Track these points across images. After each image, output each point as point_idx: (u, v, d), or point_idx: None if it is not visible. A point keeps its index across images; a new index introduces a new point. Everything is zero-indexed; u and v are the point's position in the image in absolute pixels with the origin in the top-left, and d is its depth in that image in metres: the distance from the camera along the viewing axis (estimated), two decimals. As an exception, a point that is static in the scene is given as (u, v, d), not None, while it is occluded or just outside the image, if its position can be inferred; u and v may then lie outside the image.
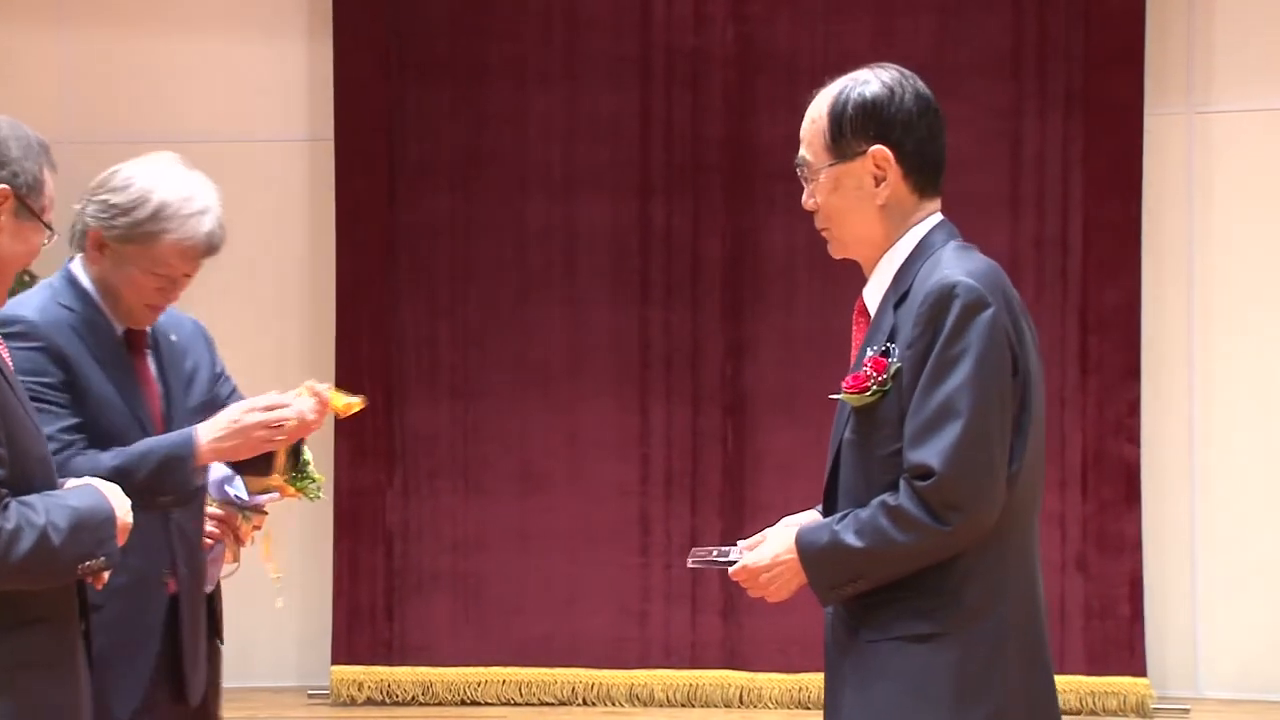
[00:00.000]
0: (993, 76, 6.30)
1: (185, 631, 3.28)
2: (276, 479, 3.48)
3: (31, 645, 2.61)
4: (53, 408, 3.08)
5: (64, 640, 2.68)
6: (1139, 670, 6.21)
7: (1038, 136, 6.30)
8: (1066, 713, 6.07)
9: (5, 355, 2.70)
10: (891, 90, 2.84)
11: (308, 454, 3.50)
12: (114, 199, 3.16)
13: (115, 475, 2.89)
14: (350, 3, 6.54)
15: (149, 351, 3.28)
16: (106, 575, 2.69)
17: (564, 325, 6.50)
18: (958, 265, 2.76)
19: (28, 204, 2.67)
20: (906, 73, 2.88)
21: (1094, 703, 6.22)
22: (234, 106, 6.62)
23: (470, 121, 6.54)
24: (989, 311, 2.71)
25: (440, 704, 6.43)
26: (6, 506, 2.53)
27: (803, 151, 2.90)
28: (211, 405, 3.30)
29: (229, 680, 3.56)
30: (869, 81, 2.85)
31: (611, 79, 6.50)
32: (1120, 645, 6.23)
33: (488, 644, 6.44)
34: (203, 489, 3.34)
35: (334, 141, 6.50)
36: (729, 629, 6.41)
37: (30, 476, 2.61)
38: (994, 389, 2.71)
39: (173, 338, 3.34)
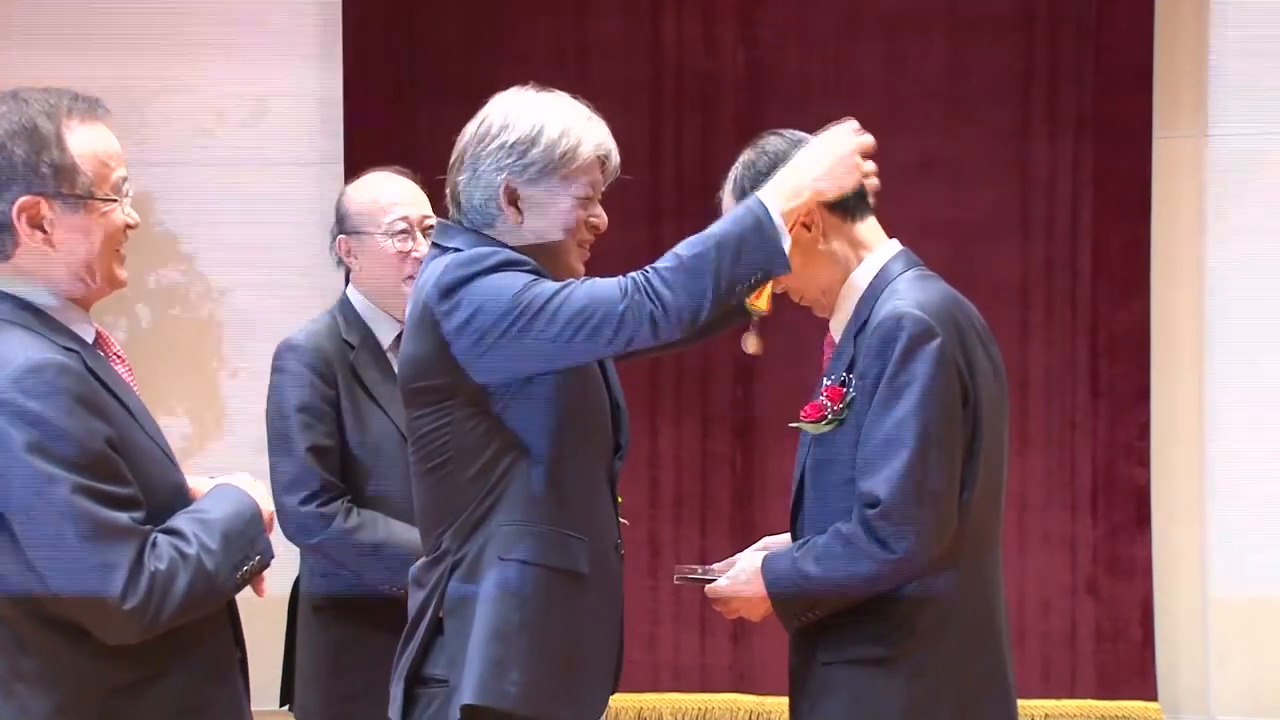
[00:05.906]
0: (1002, 100, 6.30)
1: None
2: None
3: (186, 689, 2.45)
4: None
5: (216, 677, 2.51)
6: (1150, 694, 6.19)
7: (1048, 160, 6.29)
8: (1077, 737, 6.06)
9: (133, 384, 2.51)
10: (761, 146, 2.98)
11: None
12: (510, 138, 2.86)
13: (690, 278, 2.76)
14: (361, 25, 6.56)
15: None
16: (264, 576, 2.54)
17: (574, 347, 6.49)
18: (909, 295, 2.85)
19: (65, 194, 2.39)
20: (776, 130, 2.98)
21: (1105, 727, 6.21)
22: (243, 129, 6.64)
23: (481, 144, 6.53)
24: (935, 342, 2.78)
25: (449, 727, 6.42)
26: (155, 544, 2.36)
27: None
28: None
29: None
30: (747, 153, 3.02)
31: (622, 102, 6.50)
32: (1131, 669, 6.21)
33: (497, 667, 6.42)
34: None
35: (343, 164, 6.51)
36: (738, 652, 6.40)
37: (171, 507, 2.44)
38: (940, 418, 2.78)
39: None
